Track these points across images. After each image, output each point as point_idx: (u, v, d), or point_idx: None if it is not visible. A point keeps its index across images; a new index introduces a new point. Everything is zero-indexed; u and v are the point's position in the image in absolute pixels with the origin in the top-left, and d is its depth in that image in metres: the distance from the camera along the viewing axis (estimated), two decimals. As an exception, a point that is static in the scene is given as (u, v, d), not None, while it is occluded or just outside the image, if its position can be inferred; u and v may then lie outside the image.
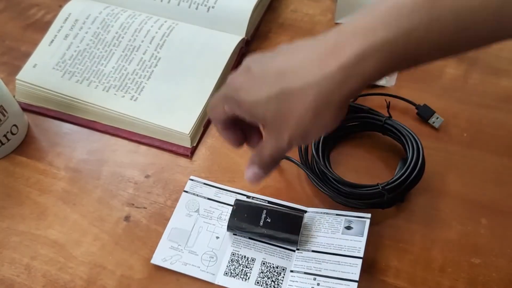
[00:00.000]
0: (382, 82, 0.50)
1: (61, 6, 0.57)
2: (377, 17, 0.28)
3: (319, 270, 0.38)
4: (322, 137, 0.44)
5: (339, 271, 0.37)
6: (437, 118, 0.46)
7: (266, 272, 0.39)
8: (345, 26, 0.29)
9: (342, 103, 0.29)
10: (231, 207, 0.41)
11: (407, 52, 0.28)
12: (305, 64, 0.29)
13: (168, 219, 0.42)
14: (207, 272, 0.39)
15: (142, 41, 0.53)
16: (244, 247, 0.40)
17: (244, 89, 0.31)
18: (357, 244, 0.38)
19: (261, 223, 0.40)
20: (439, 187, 0.43)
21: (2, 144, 0.47)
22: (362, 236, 0.39)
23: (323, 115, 0.30)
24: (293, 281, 0.38)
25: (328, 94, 0.29)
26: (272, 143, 0.32)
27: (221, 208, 0.43)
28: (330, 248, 0.39)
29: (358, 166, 0.44)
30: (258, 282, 0.38)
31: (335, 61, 0.28)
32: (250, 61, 0.32)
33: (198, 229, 0.42)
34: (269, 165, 0.34)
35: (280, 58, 0.31)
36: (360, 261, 0.37)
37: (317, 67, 0.28)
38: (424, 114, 0.46)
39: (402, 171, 0.41)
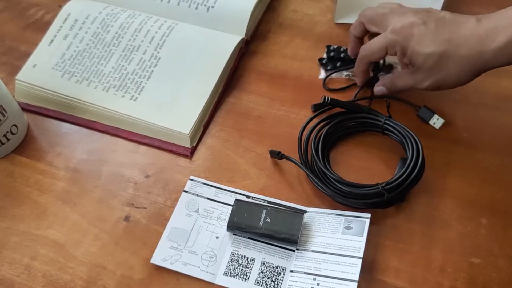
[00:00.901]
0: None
1: (60, 6, 0.57)
2: None
3: (319, 270, 0.38)
4: (321, 137, 0.45)
5: (338, 271, 0.37)
6: (438, 119, 0.46)
7: (266, 272, 0.39)
8: (501, 15, 0.39)
9: (480, 74, 0.40)
10: (231, 207, 0.41)
11: None
12: (467, 39, 0.39)
13: (168, 219, 0.42)
14: (207, 272, 0.39)
15: (142, 41, 0.53)
16: (244, 247, 0.40)
17: (416, 40, 0.41)
18: (357, 244, 0.38)
19: (261, 223, 0.40)
20: (439, 187, 0.43)
21: (2, 144, 0.47)
22: (362, 236, 0.39)
23: (464, 79, 0.41)
24: (293, 281, 0.38)
25: (479, 66, 0.40)
26: (410, 82, 0.44)
27: (221, 208, 0.43)
28: (330, 248, 0.39)
29: (358, 166, 0.44)
30: (258, 282, 0.38)
31: (491, 43, 0.38)
32: (427, 16, 0.41)
33: (198, 229, 0.42)
34: (395, 91, 0.46)
35: (450, 28, 0.40)
36: (359, 261, 0.37)
37: (478, 44, 0.39)
38: (424, 116, 0.46)
39: (402, 171, 0.41)
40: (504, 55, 0.38)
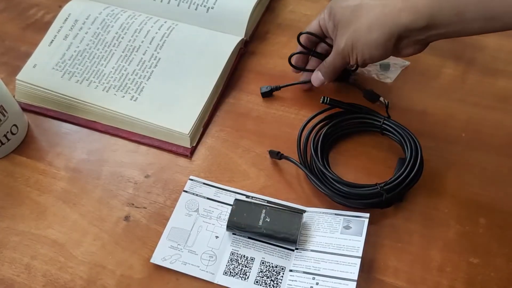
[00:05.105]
0: (383, 78, 0.50)
1: (60, 7, 0.57)
2: None
3: (318, 270, 0.38)
4: (321, 137, 0.45)
5: (338, 271, 0.38)
6: (383, 100, 0.47)
7: (266, 271, 0.39)
8: None
9: (391, 33, 0.38)
10: (231, 207, 0.41)
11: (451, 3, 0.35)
12: None
13: (167, 219, 0.42)
14: (207, 272, 0.39)
15: (142, 42, 0.53)
16: (243, 247, 0.40)
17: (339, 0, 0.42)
18: (356, 243, 0.39)
19: (260, 223, 0.40)
20: (437, 187, 0.43)
21: (2, 144, 0.47)
22: (361, 236, 0.39)
23: (374, 32, 0.39)
24: (292, 280, 0.38)
25: (386, 15, 0.38)
26: (334, 50, 0.43)
27: (221, 207, 0.43)
28: (329, 248, 0.39)
29: (356, 166, 0.45)
30: (257, 282, 0.39)
31: None
32: None
33: (197, 228, 0.42)
34: (329, 72, 0.45)
35: None
36: (358, 261, 0.38)
37: None
38: (370, 97, 0.48)
39: (401, 171, 0.41)
40: (411, 8, 0.37)
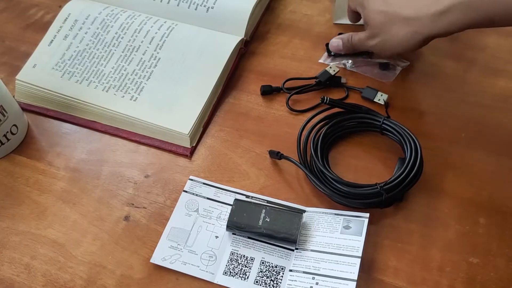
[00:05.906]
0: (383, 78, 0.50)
1: (60, 7, 0.57)
2: None
3: (318, 270, 0.38)
4: (320, 137, 0.45)
5: (337, 271, 0.38)
6: (381, 95, 0.48)
7: (265, 271, 0.39)
8: None
9: (425, 39, 0.43)
10: (230, 207, 0.41)
11: (483, 10, 0.39)
12: (415, 3, 0.42)
13: (167, 219, 0.42)
14: (207, 272, 0.39)
15: (142, 42, 0.53)
16: (243, 247, 0.40)
17: (370, 0, 0.46)
18: (356, 243, 0.39)
19: (260, 223, 0.40)
20: (437, 187, 0.43)
21: (2, 144, 0.47)
22: (361, 236, 0.39)
23: (409, 40, 0.43)
24: (292, 280, 0.38)
25: (422, 28, 0.42)
26: (363, 37, 0.47)
27: (220, 207, 0.43)
28: (329, 248, 0.39)
29: (356, 166, 0.45)
30: (257, 281, 0.39)
31: (434, 7, 0.41)
32: None
33: (197, 228, 0.42)
34: (349, 48, 0.50)
35: None
36: (358, 261, 0.38)
37: (424, 8, 0.42)
38: (368, 95, 0.49)
39: (401, 171, 0.41)
40: (443, 21, 0.40)
